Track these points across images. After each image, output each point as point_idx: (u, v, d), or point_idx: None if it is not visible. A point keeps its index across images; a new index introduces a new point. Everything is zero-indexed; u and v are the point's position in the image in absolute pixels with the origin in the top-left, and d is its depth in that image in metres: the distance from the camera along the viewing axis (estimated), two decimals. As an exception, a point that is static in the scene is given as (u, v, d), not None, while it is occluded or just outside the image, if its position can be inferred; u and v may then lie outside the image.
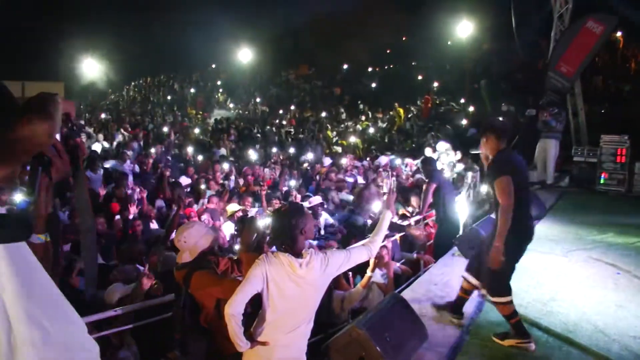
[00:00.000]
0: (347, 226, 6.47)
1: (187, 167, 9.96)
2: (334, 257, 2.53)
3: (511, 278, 3.37)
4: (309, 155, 12.14)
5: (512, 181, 3.10)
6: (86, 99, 30.04)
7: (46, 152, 1.14)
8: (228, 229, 5.70)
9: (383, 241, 4.63)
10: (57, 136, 1.14)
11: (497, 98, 14.92)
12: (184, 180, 7.84)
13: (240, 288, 2.37)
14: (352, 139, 15.48)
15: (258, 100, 27.31)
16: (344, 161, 10.83)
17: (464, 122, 15.70)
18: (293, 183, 8.75)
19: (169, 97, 31.51)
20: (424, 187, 6.20)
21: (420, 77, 24.82)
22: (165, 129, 15.54)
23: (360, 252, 2.63)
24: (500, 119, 13.35)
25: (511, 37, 11.06)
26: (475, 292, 3.74)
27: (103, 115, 20.73)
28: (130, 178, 7.87)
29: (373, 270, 4.01)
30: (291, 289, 2.41)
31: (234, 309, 2.30)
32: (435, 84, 22.51)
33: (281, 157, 11.98)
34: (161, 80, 36.69)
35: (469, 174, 6.99)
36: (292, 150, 13.42)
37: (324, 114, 21.58)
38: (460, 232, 5.42)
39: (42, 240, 1.17)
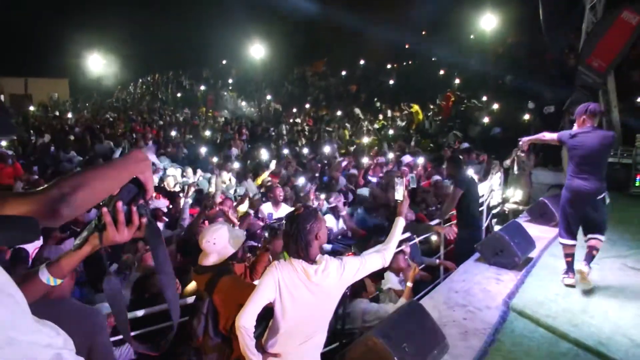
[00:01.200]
0: (364, 227, 6.41)
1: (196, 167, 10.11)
2: (350, 263, 2.54)
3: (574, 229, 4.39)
4: (326, 149, 12.20)
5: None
6: (91, 96, 30.16)
7: (105, 216, 1.22)
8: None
9: (401, 245, 4.79)
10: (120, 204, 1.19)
11: (523, 95, 14.75)
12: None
13: (252, 298, 2.37)
14: (366, 139, 15.45)
15: (269, 97, 27.43)
16: (366, 160, 10.79)
17: (486, 120, 15.56)
18: (302, 181, 8.75)
19: (178, 95, 31.83)
20: (451, 190, 6.07)
21: (441, 74, 24.67)
22: (174, 133, 15.81)
23: (375, 260, 2.64)
24: (527, 117, 13.24)
25: (538, 30, 10.87)
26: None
27: (109, 114, 20.99)
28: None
29: (412, 281, 3.99)
30: (305, 297, 2.41)
31: (245, 320, 2.30)
32: (457, 81, 22.26)
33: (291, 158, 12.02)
34: (170, 77, 37.11)
35: (494, 176, 6.91)
36: (305, 150, 13.50)
37: (339, 113, 21.59)
38: (483, 237, 5.34)
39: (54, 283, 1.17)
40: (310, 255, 2.45)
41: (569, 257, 4.51)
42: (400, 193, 3.08)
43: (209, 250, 2.99)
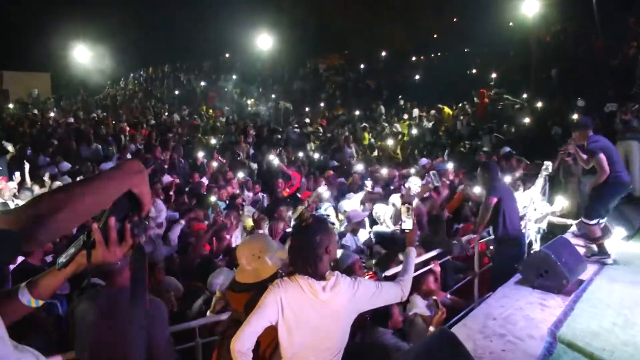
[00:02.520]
0: (383, 243, 6.40)
1: (194, 172, 10.29)
2: (365, 285, 2.59)
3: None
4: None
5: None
6: (77, 92, 30.64)
7: (95, 233, 1.22)
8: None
9: (430, 264, 4.94)
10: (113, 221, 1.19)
11: (572, 91, 14.61)
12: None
13: (249, 319, 2.39)
14: (390, 142, 15.42)
15: (274, 96, 27.68)
16: (384, 172, 10.79)
17: (527, 120, 15.45)
18: (326, 193, 8.81)
19: (176, 92, 32.22)
20: (484, 200, 6.06)
21: (474, 68, 24.66)
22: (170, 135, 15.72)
23: (393, 290, 2.72)
24: (576, 117, 13.06)
25: (590, 16, 10.72)
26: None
27: (96, 113, 21.25)
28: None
29: (437, 326, 3.83)
30: (311, 317, 2.43)
31: (242, 344, 2.31)
32: (493, 75, 22.21)
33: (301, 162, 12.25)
34: (166, 71, 37.48)
35: (539, 183, 6.87)
36: (316, 155, 13.52)
37: (357, 112, 21.51)
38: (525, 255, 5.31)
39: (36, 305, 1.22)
40: (319, 270, 2.49)
41: (599, 239, 5.86)
42: (409, 222, 3.20)
43: (249, 265, 2.92)
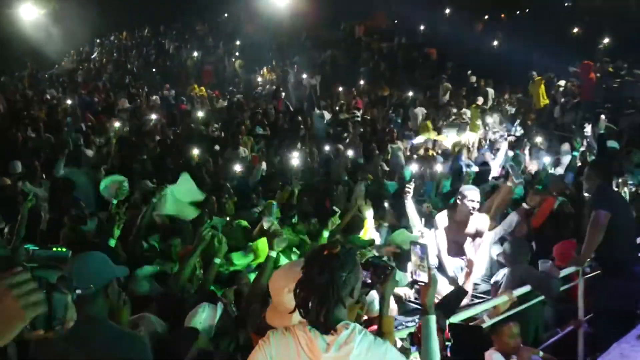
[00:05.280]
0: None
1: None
2: (393, 354, 2.58)
3: None
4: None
5: None
6: (23, 65, 30.89)
7: None
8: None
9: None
10: None
11: None
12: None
13: None
14: (468, 136, 15.45)
15: (292, 70, 27.17)
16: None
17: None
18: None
19: (159, 65, 32.19)
20: (591, 216, 5.95)
21: (575, 30, 24.46)
22: (154, 117, 15.92)
23: None
24: None
25: None
26: None
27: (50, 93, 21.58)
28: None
29: None
30: None
31: None
32: (605, 40, 21.88)
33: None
34: (144, 36, 37.64)
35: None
36: (351, 152, 13.54)
37: (411, 93, 21.21)
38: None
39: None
40: (330, 319, 2.50)
41: None
42: (424, 274, 3.08)
43: (286, 302, 2.93)
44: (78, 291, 1.89)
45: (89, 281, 2.97)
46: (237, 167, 11.03)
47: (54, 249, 2.12)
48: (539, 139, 13.91)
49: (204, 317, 4.41)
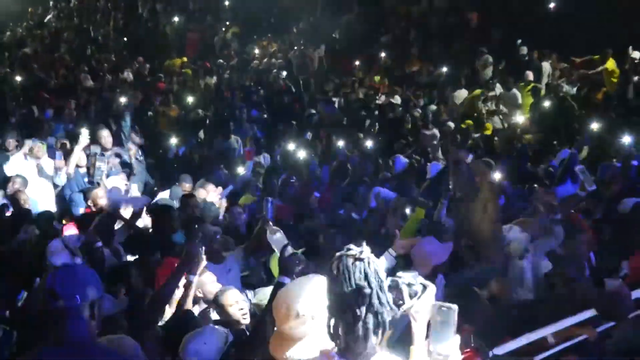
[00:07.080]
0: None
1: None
2: None
3: None
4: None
5: None
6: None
7: None
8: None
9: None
10: None
11: None
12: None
13: None
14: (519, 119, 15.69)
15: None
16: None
17: None
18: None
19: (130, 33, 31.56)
20: None
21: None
22: (123, 100, 15.18)
23: None
24: None
25: None
26: None
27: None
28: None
29: None
30: None
31: None
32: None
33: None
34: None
35: None
36: (369, 143, 13.50)
37: (444, 69, 20.57)
38: None
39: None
40: (362, 347, 2.56)
41: None
42: (423, 302, 2.90)
43: (309, 329, 3.04)
44: None
45: None
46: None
47: None
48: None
49: None
